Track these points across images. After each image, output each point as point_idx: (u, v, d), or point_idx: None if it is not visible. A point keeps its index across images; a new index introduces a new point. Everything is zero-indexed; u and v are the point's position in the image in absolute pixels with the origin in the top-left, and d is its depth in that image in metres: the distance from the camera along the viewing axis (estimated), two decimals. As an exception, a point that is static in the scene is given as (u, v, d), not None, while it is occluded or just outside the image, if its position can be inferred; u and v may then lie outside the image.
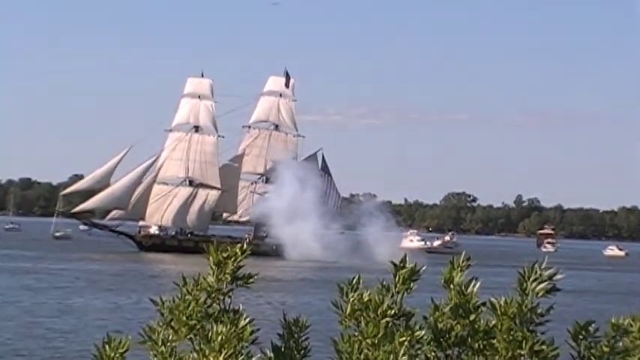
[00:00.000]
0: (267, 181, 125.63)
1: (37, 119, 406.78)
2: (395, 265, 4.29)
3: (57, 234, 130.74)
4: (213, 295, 4.26)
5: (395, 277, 4.28)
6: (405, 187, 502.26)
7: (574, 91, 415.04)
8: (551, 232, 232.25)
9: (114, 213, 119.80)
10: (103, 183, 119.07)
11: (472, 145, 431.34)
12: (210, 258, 4.28)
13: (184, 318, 4.22)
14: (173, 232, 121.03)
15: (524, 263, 4.15)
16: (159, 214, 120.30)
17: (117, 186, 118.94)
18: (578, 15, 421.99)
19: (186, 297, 4.25)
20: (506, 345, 4.14)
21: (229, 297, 4.28)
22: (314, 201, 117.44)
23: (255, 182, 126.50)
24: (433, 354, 4.23)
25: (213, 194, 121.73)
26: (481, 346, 4.20)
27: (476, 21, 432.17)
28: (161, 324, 4.25)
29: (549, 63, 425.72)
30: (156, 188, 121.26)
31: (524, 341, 4.11)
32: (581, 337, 4.17)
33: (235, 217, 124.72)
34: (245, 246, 4.29)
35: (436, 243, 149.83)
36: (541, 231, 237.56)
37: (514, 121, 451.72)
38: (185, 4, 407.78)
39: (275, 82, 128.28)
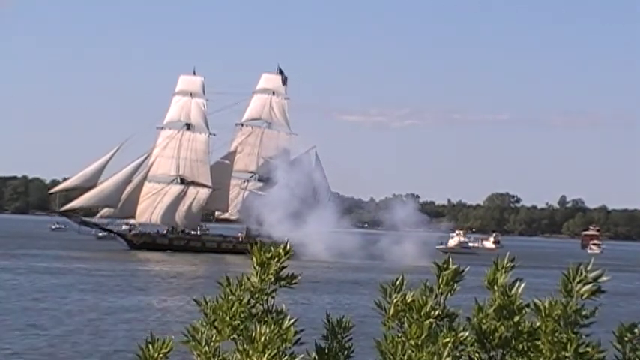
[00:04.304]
0: (259, 179, 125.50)
1: (78, 120, 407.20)
2: (438, 266, 4.28)
3: (100, 234, 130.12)
4: (256, 296, 4.25)
5: (438, 278, 4.27)
6: (448, 188, 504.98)
7: (618, 92, 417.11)
8: (596, 233, 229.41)
9: (104, 211, 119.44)
10: (93, 181, 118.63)
11: (515, 145, 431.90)
12: (254, 258, 4.27)
13: (228, 318, 4.21)
14: (164, 231, 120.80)
15: (569, 265, 4.13)
16: (149, 213, 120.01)
17: (107, 184, 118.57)
18: (622, 16, 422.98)
19: (230, 297, 4.24)
20: (550, 347, 4.12)
21: (272, 297, 4.26)
22: (309, 198, 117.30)
23: (247, 180, 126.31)
24: (477, 355, 4.22)
25: (204, 192, 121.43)
26: (525, 348, 4.18)
27: (518, 22, 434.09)
28: (204, 324, 4.24)
29: (592, 64, 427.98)
30: (147, 186, 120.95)
31: (568, 343, 4.09)
32: (626, 338, 4.15)
33: (227, 216, 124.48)
34: (289, 246, 4.28)
35: (452, 243, 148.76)
36: (586, 232, 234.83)
37: (556, 122, 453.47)
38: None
39: (268, 80, 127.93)
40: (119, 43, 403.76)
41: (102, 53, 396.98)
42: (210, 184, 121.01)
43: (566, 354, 4.10)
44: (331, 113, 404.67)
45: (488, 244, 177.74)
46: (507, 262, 4.27)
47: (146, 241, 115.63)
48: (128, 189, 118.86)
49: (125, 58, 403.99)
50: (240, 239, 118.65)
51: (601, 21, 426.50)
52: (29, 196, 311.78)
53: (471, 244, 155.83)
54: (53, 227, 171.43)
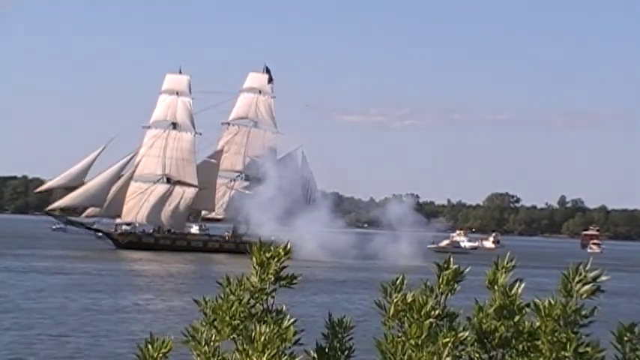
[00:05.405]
0: (245, 178, 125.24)
1: (78, 120, 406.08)
2: (438, 265, 4.28)
3: (99, 234, 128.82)
4: (256, 296, 4.24)
5: (439, 278, 4.27)
6: (448, 188, 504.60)
7: (618, 92, 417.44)
8: (596, 232, 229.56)
9: (90, 211, 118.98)
10: (79, 180, 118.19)
11: (515, 145, 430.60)
12: (254, 258, 4.26)
13: (227, 318, 4.20)
14: (150, 230, 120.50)
15: (569, 264, 4.13)
16: (135, 212, 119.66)
17: (93, 183, 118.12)
18: (622, 16, 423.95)
19: (230, 297, 4.23)
20: (550, 346, 4.13)
21: (272, 297, 4.26)
22: (298, 197, 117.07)
23: (234, 179, 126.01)
24: (477, 355, 4.22)
25: (190, 192, 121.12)
26: (525, 348, 4.19)
27: (518, 22, 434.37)
28: (204, 324, 4.23)
29: (592, 64, 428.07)
30: (133, 186, 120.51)
31: (568, 343, 4.10)
32: (625, 338, 4.16)
33: (213, 215, 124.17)
34: (289, 246, 4.27)
35: (444, 243, 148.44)
36: (586, 232, 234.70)
37: (556, 122, 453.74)
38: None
39: (254, 79, 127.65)
40: (117, 43, 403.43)
41: (101, 53, 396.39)
42: (196, 183, 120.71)
43: (566, 354, 4.11)
44: (331, 113, 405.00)
45: (488, 244, 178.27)
46: (507, 263, 4.27)
47: (132, 241, 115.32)
48: (114, 188, 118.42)
49: (121, 58, 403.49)
50: (227, 238, 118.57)
51: (601, 21, 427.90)
52: (29, 196, 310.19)
53: (466, 244, 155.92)
54: (54, 227, 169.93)
